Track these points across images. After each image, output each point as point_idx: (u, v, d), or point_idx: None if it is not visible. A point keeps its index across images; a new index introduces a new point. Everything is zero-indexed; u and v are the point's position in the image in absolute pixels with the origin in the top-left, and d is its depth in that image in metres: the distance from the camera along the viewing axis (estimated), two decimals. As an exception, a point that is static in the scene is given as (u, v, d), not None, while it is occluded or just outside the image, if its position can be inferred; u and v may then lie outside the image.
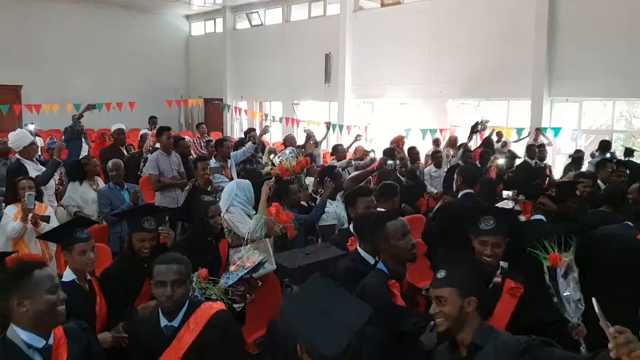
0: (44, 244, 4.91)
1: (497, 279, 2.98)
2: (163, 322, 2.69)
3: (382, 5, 16.10)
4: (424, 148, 11.79)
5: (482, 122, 10.02)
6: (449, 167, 9.07)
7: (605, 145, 9.93)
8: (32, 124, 11.86)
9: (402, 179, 7.61)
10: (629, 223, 4.42)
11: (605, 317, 1.79)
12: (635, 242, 4.12)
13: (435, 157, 9.31)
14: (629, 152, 9.57)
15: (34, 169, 6.19)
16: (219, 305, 2.77)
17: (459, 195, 5.47)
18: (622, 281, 3.99)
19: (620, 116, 13.38)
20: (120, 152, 7.91)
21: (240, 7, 20.21)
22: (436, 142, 12.14)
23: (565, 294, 2.86)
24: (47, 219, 4.95)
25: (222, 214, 4.32)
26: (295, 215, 4.86)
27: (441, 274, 2.35)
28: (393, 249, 3.11)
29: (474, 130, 9.91)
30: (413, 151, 9.44)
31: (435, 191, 8.53)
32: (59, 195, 6.70)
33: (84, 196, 6.29)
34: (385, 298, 2.91)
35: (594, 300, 1.86)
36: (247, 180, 5.12)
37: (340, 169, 6.60)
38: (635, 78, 11.24)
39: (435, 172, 9.10)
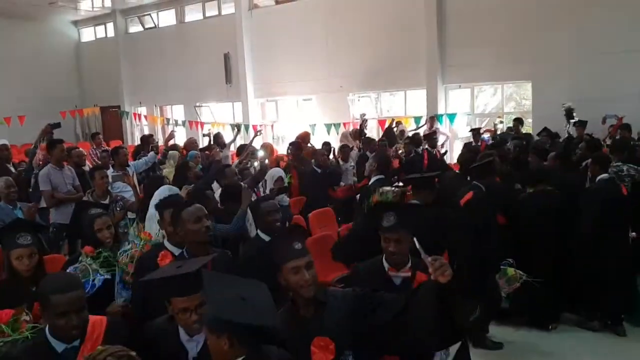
0: None
1: (407, 273, 3.05)
2: (59, 346, 2.49)
3: (277, 2, 16.13)
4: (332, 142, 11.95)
5: (362, 116, 10.43)
6: (357, 159, 9.27)
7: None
8: None
9: (318, 169, 8.14)
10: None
11: (424, 250, 2.19)
12: None
13: (343, 152, 9.45)
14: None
15: None
16: (101, 317, 2.63)
17: (371, 180, 5.57)
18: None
19: (510, 98, 14.22)
20: (6, 170, 7.37)
21: (131, 10, 19.51)
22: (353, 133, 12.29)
23: None
24: None
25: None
26: (212, 224, 4.64)
27: (298, 245, 2.50)
28: (191, 234, 3.30)
29: (362, 125, 10.34)
30: (327, 147, 9.60)
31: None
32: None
33: (-30, 219, 5.83)
34: None
35: (415, 239, 2.25)
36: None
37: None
38: (521, 62, 11.99)
39: (343, 165, 9.24)
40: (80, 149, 8.53)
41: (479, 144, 10.06)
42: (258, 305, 2.06)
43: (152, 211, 5.26)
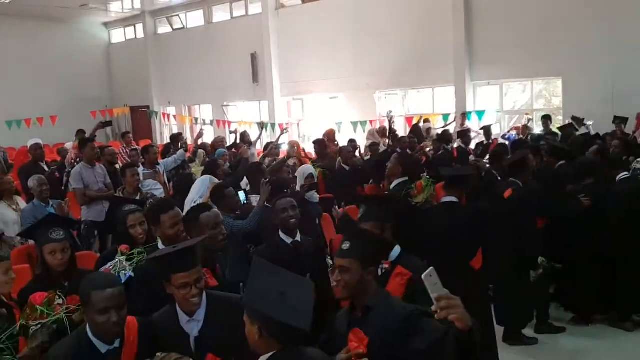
0: None
1: (386, 265, 3.09)
2: (103, 347, 2.48)
3: (304, 2, 16.16)
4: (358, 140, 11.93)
5: (389, 113, 10.46)
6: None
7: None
8: None
9: (346, 167, 8.07)
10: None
11: (436, 282, 1.93)
12: None
13: (372, 149, 9.41)
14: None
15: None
16: (131, 317, 2.65)
17: (393, 184, 5.48)
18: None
19: (540, 95, 13.98)
20: (40, 168, 7.55)
21: (160, 11, 19.78)
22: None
23: None
24: None
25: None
26: (229, 222, 4.68)
27: (346, 245, 2.51)
28: (207, 239, 3.22)
29: (390, 123, 10.29)
30: (352, 144, 9.55)
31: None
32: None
33: (4, 218, 5.94)
34: None
35: (422, 277, 1.95)
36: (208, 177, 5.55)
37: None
38: (550, 58, 11.78)
39: (370, 164, 9.23)
40: (113, 147, 8.69)
41: (491, 141, 9.95)
42: (296, 304, 2.05)
43: (192, 196, 5.37)
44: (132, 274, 3.36)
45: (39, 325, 2.75)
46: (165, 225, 3.44)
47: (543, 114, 12.45)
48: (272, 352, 2.04)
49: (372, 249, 2.57)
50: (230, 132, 10.94)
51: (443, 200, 4.45)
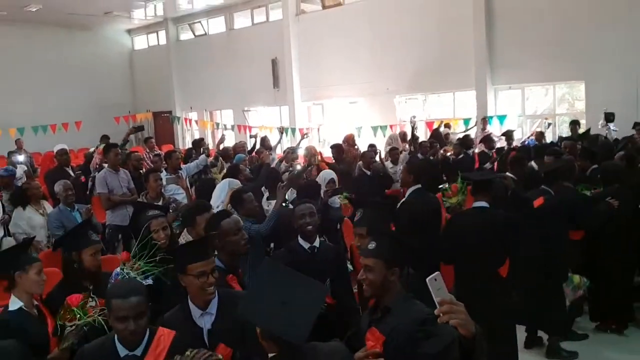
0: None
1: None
2: (122, 351, 2.57)
3: (324, 7, 16.23)
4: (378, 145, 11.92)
5: (412, 119, 10.43)
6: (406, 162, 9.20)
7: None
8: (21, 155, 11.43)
9: (367, 172, 8.13)
10: None
11: (441, 287, 1.92)
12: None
13: (392, 154, 9.40)
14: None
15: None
16: (169, 331, 2.71)
17: (409, 191, 5.42)
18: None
19: (562, 100, 13.83)
20: (65, 173, 7.67)
21: (183, 18, 20.01)
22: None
23: None
24: None
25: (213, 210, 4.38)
26: (247, 225, 4.73)
27: (372, 245, 2.57)
28: (229, 244, 3.35)
29: (413, 129, 10.27)
30: (372, 149, 9.55)
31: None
32: (6, 224, 6.47)
33: (31, 222, 6.10)
34: None
35: (427, 280, 1.93)
36: (237, 180, 5.71)
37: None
38: (573, 61, 11.66)
39: (392, 169, 9.19)
40: (138, 153, 8.83)
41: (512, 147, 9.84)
42: (296, 314, 2.04)
43: (213, 202, 5.46)
44: (150, 282, 3.38)
45: (74, 327, 2.84)
46: (200, 226, 3.65)
47: (566, 118, 12.34)
48: (273, 355, 2.10)
49: (397, 250, 2.61)
50: (250, 137, 11.01)
51: (475, 205, 4.39)
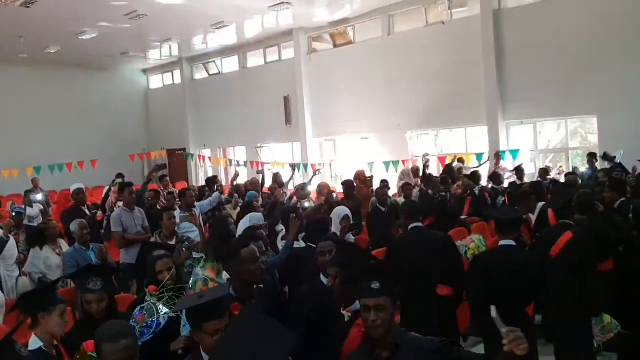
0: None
1: (349, 313, 3.17)
2: None
3: (335, 46, 16.51)
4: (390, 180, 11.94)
5: (425, 156, 10.64)
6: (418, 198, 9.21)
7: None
8: (38, 194, 11.61)
9: (382, 208, 8.13)
10: None
11: (500, 319, 2.10)
12: None
13: (405, 190, 9.41)
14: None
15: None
16: None
17: (408, 229, 5.35)
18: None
19: (575, 133, 13.80)
20: (82, 212, 7.75)
21: (197, 57, 20.43)
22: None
23: None
24: None
25: None
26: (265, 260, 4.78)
27: (376, 284, 2.55)
28: (246, 273, 3.40)
29: (425, 166, 10.33)
30: (384, 184, 9.57)
31: None
32: (21, 263, 6.53)
33: (48, 262, 6.12)
34: None
35: (492, 307, 2.13)
36: (259, 214, 5.74)
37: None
38: (584, 96, 11.67)
39: (404, 205, 9.20)
40: (154, 191, 8.94)
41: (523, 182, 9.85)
42: None
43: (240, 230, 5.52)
44: (172, 314, 3.43)
45: None
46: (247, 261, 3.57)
47: (579, 152, 12.28)
48: None
49: (396, 285, 2.69)
50: (258, 172, 11.08)
51: (501, 244, 4.36)
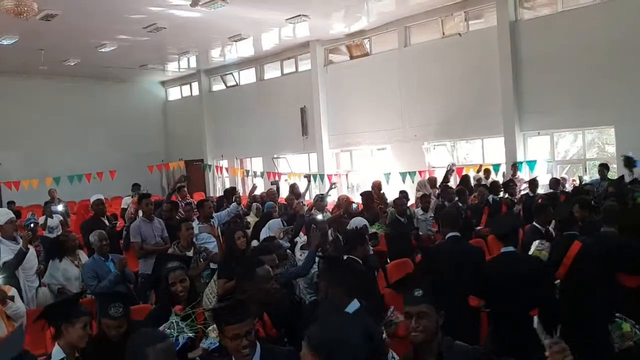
0: (5, 317, 4.77)
1: None
2: None
3: (351, 57, 16.58)
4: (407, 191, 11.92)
5: (450, 166, 10.67)
6: (435, 209, 9.18)
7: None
8: (59, 205, 11.83)
9: (401, 219, 8.22)
10: None
11: (543, 331, 2.18)
12: None
13: (423, 201, 9.40)
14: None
15: (9, 249, 5.94)
16: None
17: (445, 238, 5.38)
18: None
19: (592, 144, 13.70)
20: (101, 223, 7.82)
21: (215, 69, 20.64)
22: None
23: None
24: (12, 298, 4.85)
25: None
26: (284, 270, 4.81)
27: (419, 292, 2.57)
28: (260, 292, 3.41)
29: (448, 173, 10.26)
30: (402, 194, 9.54)
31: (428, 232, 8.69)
32: (41, 274, 6.58)
33: (66, 274, 6.12)
34: None
35: (535, 318, 2.20)
36: (278, 219, 5.93)
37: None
38: (601, 106, 11.59)
39: (422, 215, 9.17)
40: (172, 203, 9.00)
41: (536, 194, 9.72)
42: None
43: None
44: (192, 335, 3.44)
45: None
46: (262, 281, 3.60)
47: (596, 162, 12.15)
48: None
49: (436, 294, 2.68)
50: (272, 183, 11.15)
51: (503, 251, 4.48)
